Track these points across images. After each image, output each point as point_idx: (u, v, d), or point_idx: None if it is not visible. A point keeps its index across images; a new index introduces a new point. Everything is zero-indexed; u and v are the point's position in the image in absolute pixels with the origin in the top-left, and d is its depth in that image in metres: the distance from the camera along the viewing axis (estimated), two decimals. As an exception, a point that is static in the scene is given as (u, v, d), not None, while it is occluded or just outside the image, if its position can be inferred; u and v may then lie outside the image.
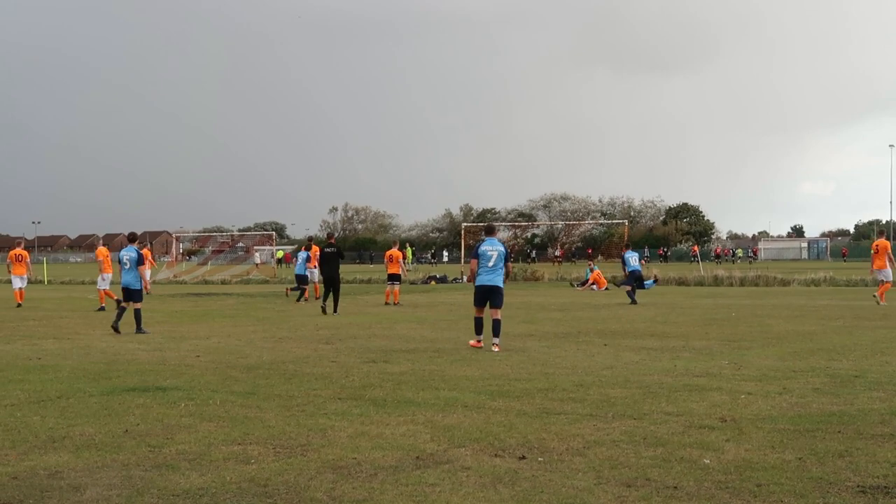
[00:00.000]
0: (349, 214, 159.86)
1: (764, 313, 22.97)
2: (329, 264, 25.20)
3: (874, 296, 26.90)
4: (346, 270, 56.02)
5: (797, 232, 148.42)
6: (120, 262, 19.54)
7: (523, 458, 7.23)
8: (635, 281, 29.48)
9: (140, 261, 19.27)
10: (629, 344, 15.64)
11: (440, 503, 6.08)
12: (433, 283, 48.22)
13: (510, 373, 12.12)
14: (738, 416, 8.82)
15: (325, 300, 24.96)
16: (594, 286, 39.19)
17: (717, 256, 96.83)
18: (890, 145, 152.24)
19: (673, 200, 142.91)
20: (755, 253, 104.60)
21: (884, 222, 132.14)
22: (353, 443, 7.76)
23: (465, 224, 72.07)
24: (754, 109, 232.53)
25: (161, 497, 6.25)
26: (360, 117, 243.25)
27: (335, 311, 24.39)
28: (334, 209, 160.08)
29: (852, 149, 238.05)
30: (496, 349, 14.76)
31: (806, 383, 10.88)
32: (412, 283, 47.53)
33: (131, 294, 19.28)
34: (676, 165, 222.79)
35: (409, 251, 68.76)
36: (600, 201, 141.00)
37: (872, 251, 27.09)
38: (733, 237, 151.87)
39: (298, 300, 30.66)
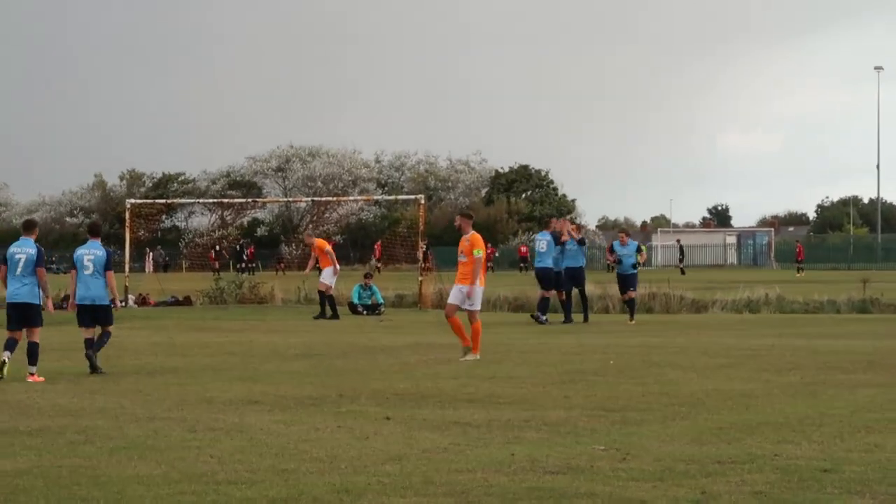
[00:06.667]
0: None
1: (664, 360, 14.32)
2: None
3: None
4: None
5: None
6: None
7: None
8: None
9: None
10: (430, 415, 9.44)
11: None
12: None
13: (217, 471, 7.04)
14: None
15: None
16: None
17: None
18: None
19: (504, 163, 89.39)
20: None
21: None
22: None
23: (133, 201, 41.24)
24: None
25: None
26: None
27: None
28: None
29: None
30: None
31: (741, 483, 6.74)
32: None
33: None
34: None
35: None
36: (378, 161, 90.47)
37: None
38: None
39: None
